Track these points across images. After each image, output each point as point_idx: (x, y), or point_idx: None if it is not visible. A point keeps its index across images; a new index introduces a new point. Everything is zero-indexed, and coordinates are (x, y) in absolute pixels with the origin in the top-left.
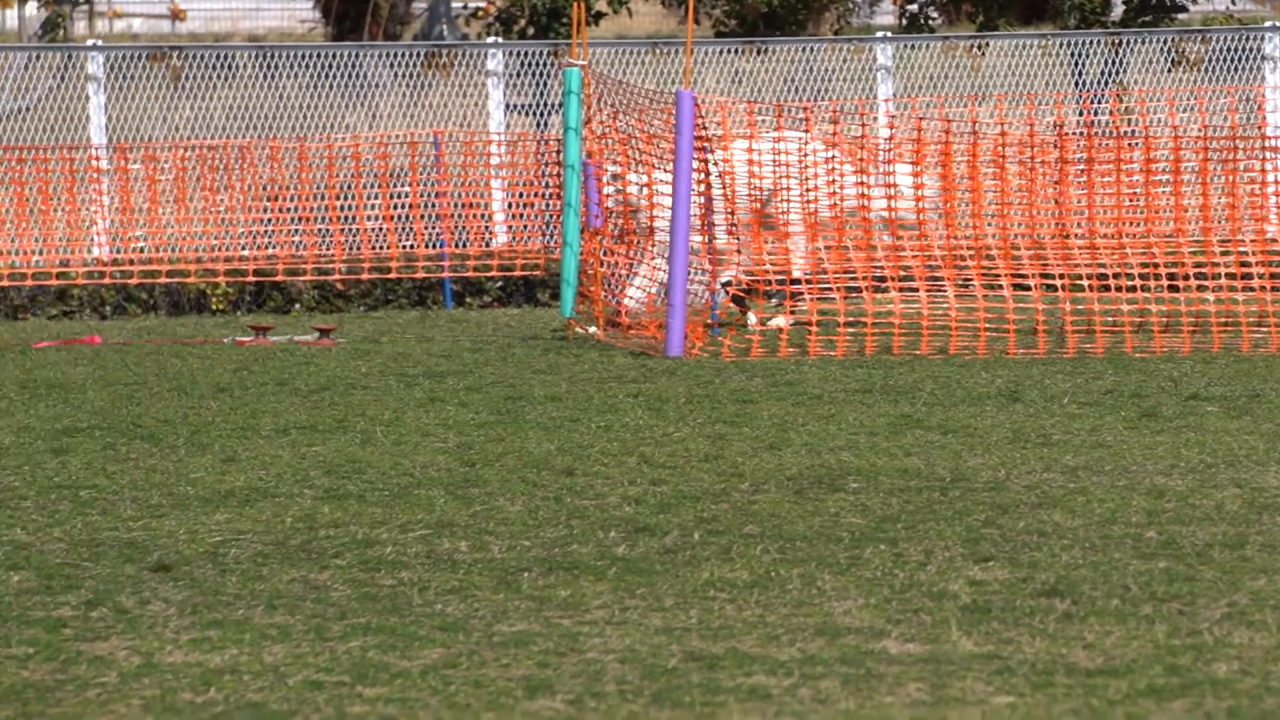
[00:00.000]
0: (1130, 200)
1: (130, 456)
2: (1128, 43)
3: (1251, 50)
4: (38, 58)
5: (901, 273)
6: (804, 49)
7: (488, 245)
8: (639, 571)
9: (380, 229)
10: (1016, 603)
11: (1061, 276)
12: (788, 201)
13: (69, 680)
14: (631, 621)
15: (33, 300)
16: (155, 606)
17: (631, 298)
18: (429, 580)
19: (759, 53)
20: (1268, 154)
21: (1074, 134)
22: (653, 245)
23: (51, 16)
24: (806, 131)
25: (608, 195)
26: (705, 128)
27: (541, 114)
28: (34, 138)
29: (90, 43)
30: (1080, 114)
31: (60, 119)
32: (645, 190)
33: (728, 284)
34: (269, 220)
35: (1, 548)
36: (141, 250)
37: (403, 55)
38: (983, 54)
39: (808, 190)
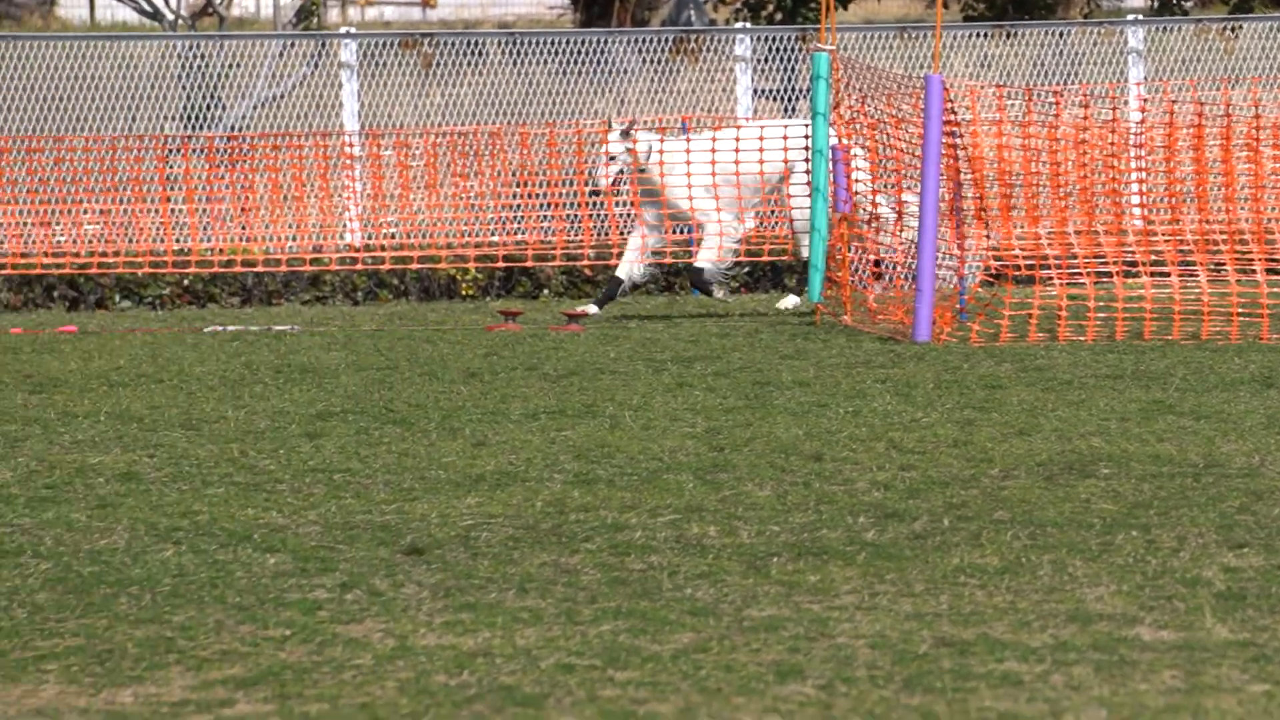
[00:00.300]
0: None
1: (382, 440)
2: None
3: None
4: (292, 45)
5: (1153, 257)
6: (1053, 33)
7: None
8: (888, 557)
9: (629, 214)
10: (1272, 590)
11: None
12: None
13: (325, 662)
14: (881, 607)
15: (286, 286)
16: (408, 589)
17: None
18: (678, 565)
19: (1008, 36)
20: None
21: None
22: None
23: (305, 5)
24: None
25: (613, 158)
26: (954, 112)
27: (789, 99)
28: (288, 125)
29: (343, 30)
30: None
31: (314, 106)
32: (655, 151)
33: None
34: (518, 206)
35: (258, 530)
36: (393, 236)
37: (651, 41)
38: (1236, 36)
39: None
